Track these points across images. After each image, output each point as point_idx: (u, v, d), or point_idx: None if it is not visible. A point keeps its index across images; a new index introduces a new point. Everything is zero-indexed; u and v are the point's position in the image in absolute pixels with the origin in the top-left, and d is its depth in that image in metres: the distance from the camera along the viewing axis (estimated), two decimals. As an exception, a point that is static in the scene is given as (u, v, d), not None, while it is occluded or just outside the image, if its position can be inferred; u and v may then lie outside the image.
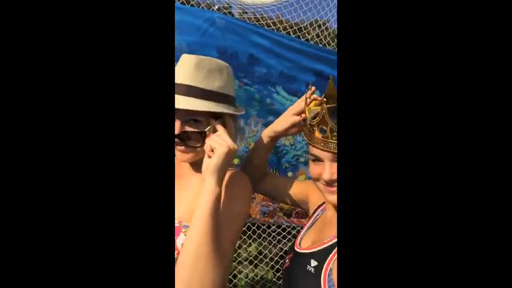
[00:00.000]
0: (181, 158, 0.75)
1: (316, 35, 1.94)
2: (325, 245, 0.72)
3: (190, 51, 1.62)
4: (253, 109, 1.89)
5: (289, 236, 1.97)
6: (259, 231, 1.92)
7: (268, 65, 1.88)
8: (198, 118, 0.72)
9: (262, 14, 1.93)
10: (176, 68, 0.74)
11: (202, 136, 0.72)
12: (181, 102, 0.68)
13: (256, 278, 1.89)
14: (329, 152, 0.67)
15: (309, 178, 2.21)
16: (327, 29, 1.99)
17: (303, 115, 0.79)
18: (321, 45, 1.97)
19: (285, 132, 0.85)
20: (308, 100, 0.77)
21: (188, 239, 0.62)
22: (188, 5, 1.78)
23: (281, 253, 1.96)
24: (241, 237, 1.87)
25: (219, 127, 0.73)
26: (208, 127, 0.73)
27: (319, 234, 0.78)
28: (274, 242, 1.95)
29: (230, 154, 0.67)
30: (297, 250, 0.79)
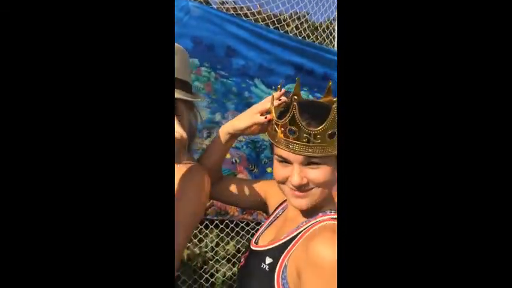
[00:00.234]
0: None
1: (295, 27, 1.89)
2: (281, 241, 0.68)
3: (164, 41, 1.53)
4: (230, 102, 1.82)
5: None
6: (238, 229, 1.86)
7: (247, 57, 1.82)
8: None
9: (241, 5, 1.86)
10: None
11: None
12: None
13: (234, 277, 1.84)
14: (301, 155, 0.62)
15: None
16: (306, 21, 1.94)
17: (269, 116, 0.73)
18: (300, 38, 1.93)
19: (245, 131, 0.77)
20: (276, 101, 0.71)
21: None
22: (161, -9, 1.68)
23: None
24: (219, 235, 1.81)
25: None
26: None
27: (278, 232, 0.74)
28: (252, 239, 1.90)
29: (177, 143, 0.61)
30: (252, 248, 0.75)
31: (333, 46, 2.02)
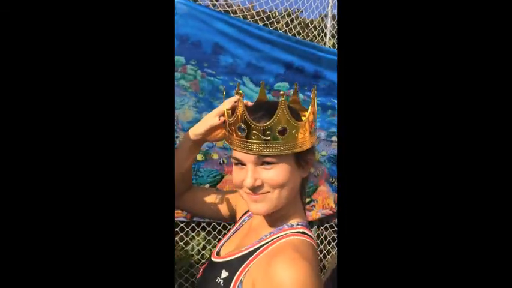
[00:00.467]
0: None
1: (285, 23, 1.84)
2: (240, 254, 0.63)
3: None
4: (218, 101, 1.77)
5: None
6: (225, 231, 1.81)
7: (235, 55, 1.77)
8: None
9: (231, 2, 1.82)
10: None
11: None
12: None
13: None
14: (251, 154, 0.58)
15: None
16: (297, 18, 1.89)
17: (222, 118, 0.69)
18: (290, 35, 1.87)
19: (206, 136, 0.73)
20: (233, 104, 0.67)
21: None
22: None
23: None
24: (206, 238, 1.77)
25: None
26: None
27: (240, 242, 0.69)
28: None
29: None
30: (212, 259, 0.70)
31: (325, 43, 1.97)
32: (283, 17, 1.85)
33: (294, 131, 0.58)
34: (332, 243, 2.15)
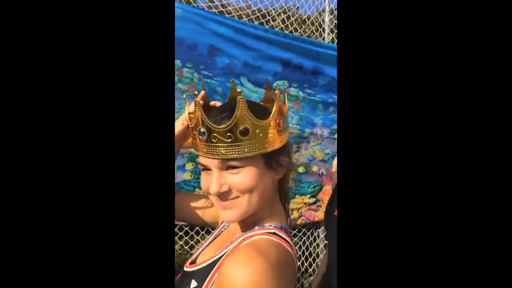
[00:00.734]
0: None
1: (281, 21, 1.81)
2: (209, 261, 0.59)
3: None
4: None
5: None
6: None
7: (231, 55, 1.75)
8: None
9: (227, 2, 1.80)
10: None
11: None
12: None
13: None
14: (214, 158, 0.55)
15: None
16: (293, 14, 1.86)
17: (185, 122, 0.66)
18: (287, 32, 1.84)
19: (178, 141, 0.70)
20: (195, 107, 0.60)
21: None
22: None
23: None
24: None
25: None
26: None
27: (217, 248, 0.65)
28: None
29: None
30: (184, 268, 0.66)
31: (323, 39, 1.92)
32: (279, 15, 1.82)
33: (257, 131, 0.54)
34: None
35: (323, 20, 1.91)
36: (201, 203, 0.80)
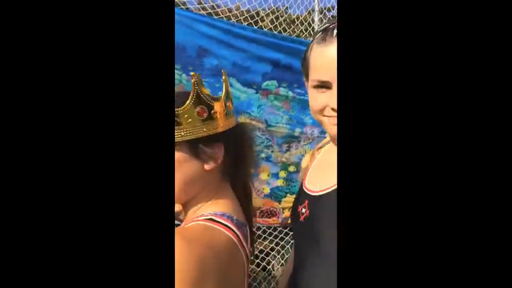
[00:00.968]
0: None
1: (270, 21, 1.82)
2: None
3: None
4: (204, 104, 1.77)
5: (254, 237, 1.86)
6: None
7: (219, 56, 1.77)
8: None
9: (217, 3, 1.82)
10: None
11: None
12: None
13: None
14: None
15: (273, 175, 2.08)
16: (282, 15, 1.86)
17: None
18: (276, 32, 1.85)
19: None
20: None
21: None
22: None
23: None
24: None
25: None
26: None
27: None
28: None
29: None
30: None
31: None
32: (267, 15, 1.83)
33: (186, 116, 0.59)
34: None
35: (312, 20, 1.91)
36: None
